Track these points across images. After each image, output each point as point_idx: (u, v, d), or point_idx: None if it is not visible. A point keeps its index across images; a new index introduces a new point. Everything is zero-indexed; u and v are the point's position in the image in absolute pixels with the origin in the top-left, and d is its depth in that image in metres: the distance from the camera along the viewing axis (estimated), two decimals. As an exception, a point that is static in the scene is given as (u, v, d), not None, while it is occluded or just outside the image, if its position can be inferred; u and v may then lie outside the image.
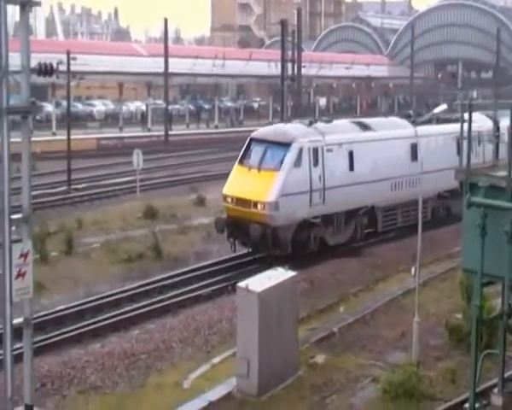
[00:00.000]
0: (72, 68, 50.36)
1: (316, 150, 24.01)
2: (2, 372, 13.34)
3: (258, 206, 22.92)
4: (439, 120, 31.03)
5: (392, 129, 28.01)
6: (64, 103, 59.08)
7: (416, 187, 27.13)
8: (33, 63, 13.68)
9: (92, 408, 14.25)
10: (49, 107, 63.08)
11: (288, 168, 23.26)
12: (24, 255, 13.13)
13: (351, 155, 25.22)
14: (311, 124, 25.27)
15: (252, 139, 24.71)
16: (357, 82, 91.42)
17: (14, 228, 13.14)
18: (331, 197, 24.29)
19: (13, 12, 13.91)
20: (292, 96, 58.26)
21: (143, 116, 69.39)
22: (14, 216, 13.01)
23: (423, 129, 29.11)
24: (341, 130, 26.00)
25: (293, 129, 25.25)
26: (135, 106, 76.48)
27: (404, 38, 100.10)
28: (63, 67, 37.02)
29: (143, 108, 71.27)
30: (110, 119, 71.44)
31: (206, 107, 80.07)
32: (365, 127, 26.80)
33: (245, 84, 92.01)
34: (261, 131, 25.46)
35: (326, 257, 24.27)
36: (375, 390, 14.83)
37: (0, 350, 13.04)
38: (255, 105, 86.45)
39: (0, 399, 13.52)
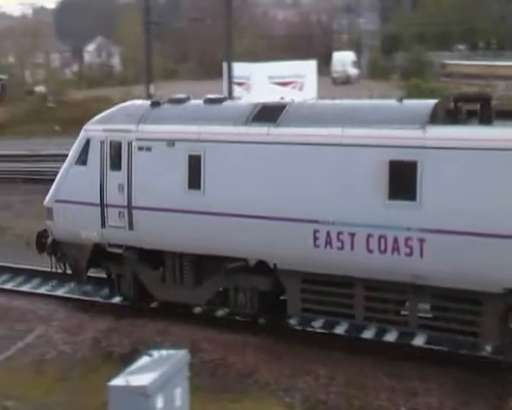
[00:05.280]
0: None
1: (117, 146, 15.95)
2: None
3: None
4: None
5: (346, 125, 13.84)
6: None
7: (410, 262, 13.08)
8: None
9: None
10: None
11: (68, 165, 17.12)
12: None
13: (195, 162, 15.08)
14: (156, 105, 16.31)
15: None
16: None
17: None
18: (145, 224, 15.66)
19: None
20: None
21: None
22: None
23: (447, 132, 13.01)
24: (191, 115, 15.64)
25: (107, 111, 17.16)
26: None
27: None
28: None
29: None
30: None
31: None
32: (264, 115, 14.89)
33: None
34: None
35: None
36: None
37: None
38: None
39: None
